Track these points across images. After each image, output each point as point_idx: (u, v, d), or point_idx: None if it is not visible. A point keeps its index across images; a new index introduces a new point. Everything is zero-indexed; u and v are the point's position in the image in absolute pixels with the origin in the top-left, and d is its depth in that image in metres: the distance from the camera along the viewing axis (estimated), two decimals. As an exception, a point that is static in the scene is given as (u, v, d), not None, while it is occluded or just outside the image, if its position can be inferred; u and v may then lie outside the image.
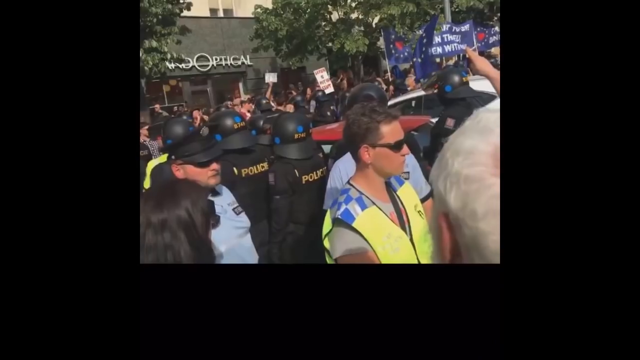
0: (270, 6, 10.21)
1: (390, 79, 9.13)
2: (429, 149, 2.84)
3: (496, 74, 1.80)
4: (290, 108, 6.46)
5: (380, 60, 10.10)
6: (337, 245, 1.16)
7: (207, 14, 12.25)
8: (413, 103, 5.66)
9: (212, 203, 1.11)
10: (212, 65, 12.17)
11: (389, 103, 5.91)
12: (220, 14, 12.77)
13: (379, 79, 9.18)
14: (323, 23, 10.08)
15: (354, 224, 1.14)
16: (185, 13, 9.16)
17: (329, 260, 1.22)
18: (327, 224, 1.27)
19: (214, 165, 1.48)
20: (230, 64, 12.52)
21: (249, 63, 12.68)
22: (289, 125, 2.46)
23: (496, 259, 0.42)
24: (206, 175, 1.46)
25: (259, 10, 10.29)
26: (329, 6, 9.86)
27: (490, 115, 0.47)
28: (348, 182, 1.30)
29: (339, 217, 1.17)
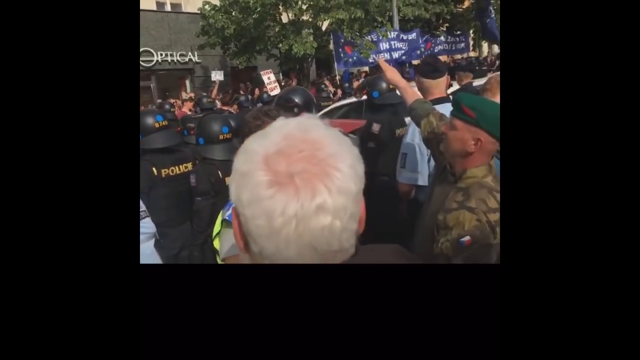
0: (218, 3, 10.02)
1: (338, 82, 9.26)
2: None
3: (404, 83, 1.89)
4: (234, 108, 6.36)
5: (333, 63, 10.24)
6: (223, 246, 1.16)
7: (154, 7, 11.78)
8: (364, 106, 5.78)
9: None
10: (157, 60, 11.72)
11: (334, 105, 6.00)
12: (168, 8, 12.33)
13: (326, 81, 9.28)
14: (272, 24, 10.04)
15: None
16: (127, 5, 8.70)
17: (218, 261, 1.22)
18: (217, 225, 1.26)
19: None
20: (177, 60, 12.11)
21: (197, 60, 12.34)
22: (213, 125, 2.42)
23: (263, 242, 0.47)
24: None
25: (206, 7, 10.06)
26: (279, 7, 9.84)
27: (277, 122, 0.54)
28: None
29: (226, 218, 1.17)
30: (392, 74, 1.90)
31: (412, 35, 10.77)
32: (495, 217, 1.29)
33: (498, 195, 1.34)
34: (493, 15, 8.97)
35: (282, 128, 0.53)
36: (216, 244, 1.24)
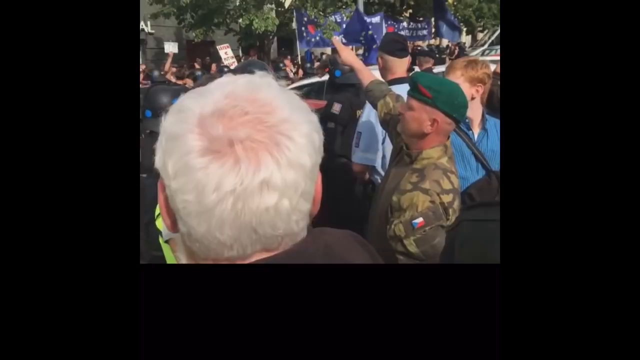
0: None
1: (300, 62, 9.06)
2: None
3: (360, 64, 1.87)
4: (189, 83, 6.05)
5: (296, 43, 9.98)
6: (165, 228, 1.06)
7: (102, -31, 10.89)
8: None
9: None
10: (107, 28, 10.91)
11: (294, 85, 5.86)
12: (118, -29, 11.45)
13: (286, 60, 9.06)
14: (232, -4, 9.60)
15: None
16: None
17: (161, 242, 1.13)
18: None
19: None
20: (129, 29, 11.32)
21: (150, 30, 11.61)
22: (162, 97, 2.23)
23: (192, 222, 0.41)
24: None
25: (161, -28, 9.43)
26: (240, -21, 9.41)
27: (222, 78, 0.46)
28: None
29: None
30: (348, 54, 1.89)
31: (376, 19, 10.69)
32: (448, 198, 1.29)
33: (452, 176, 1.35)
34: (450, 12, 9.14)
35: (227, 85, 0.45)
36: (159, 224, 1.14)
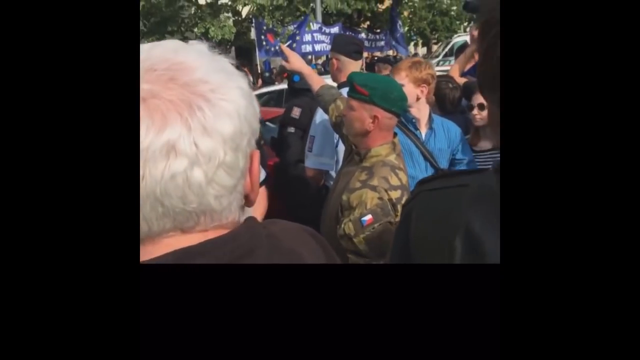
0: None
1: (260, 71, 9.00)
2: (276, 139, 2.80)
3: (309, 70, 1.90)
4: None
5: (254, 52, 9.90)
6: None
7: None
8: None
9: None
10: (53, 35, 10.37)
11: (254, 93, 5.81)
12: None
13: (245, 69, 8.97)
14: (187, 4, 9.38)
15: None
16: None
17: None
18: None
19: None
20: (78, 36, 10.82)
21: (102, 38, 11.15)
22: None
23: None
24: None
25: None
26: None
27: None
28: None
29: None
30: (295, 60, 1.89)
31: (335, 29, 10.84)
32: (396, 194, 1.30)
33: (401, 173, 1.36)
34: (401, 29, 9.46)
35: (148, 48, 0.42)
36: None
